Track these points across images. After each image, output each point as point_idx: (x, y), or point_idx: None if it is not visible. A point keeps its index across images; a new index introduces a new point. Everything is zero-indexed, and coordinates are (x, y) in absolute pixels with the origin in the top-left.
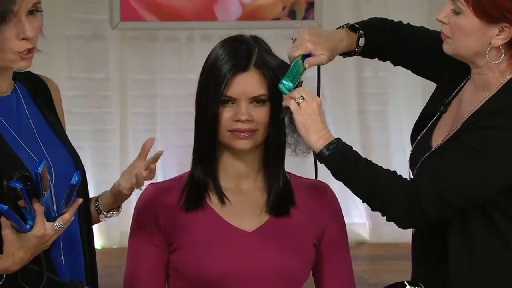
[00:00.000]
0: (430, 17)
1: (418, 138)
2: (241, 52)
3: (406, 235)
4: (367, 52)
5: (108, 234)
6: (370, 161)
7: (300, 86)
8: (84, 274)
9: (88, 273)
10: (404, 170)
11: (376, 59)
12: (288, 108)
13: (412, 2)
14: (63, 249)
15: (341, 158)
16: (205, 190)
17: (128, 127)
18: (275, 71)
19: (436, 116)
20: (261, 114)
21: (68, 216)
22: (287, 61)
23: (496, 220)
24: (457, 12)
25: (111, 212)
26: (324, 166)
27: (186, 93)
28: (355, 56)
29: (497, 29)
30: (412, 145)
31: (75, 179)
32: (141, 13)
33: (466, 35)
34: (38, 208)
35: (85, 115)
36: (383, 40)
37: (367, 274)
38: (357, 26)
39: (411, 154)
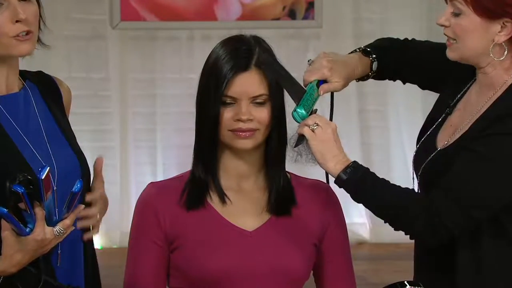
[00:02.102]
0: (429, 15)
1: (423, 139)
2: (241, 52)
3: (406, 235)
4: (378, 75)
5: (108, 234)
6: (388, 182)
7: (314, 113)
8: (84, 278)
9: (89, 277)
10: (404, 169)
11: (386, 80)
12: (303, 135)
13: (412, 0)
14: (63, 253)
15: (358, 181)
16: (206, 189)
17: (128, 127)
18: (276, 71)
19: (441, 118)
20: (262, 113)
21: (68, 221)
22: (287, 61)
23: (509, 232)
24: (457, 14)
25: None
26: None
27: (186, 93)
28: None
29: (499, 26)
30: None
31: (77, 186)
32: (141, 13)
33: (469, 35)
34: (39, 212)
35: (85, 115)
36: (392, 62)
37: (367, 274)
38: (369, 50)
39: (415, 155)
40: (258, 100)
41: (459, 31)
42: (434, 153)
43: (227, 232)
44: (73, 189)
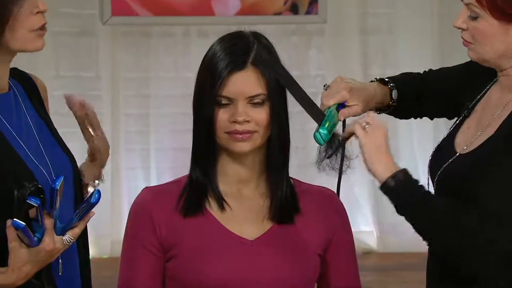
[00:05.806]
0: (441, 11)
1: (439, 143)
2: (238, 49)
3: (415, 244)
4: (401, 112)
5: (98, 243)
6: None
7: (336, 137)
8: (80, 284)
9: (84, 283)
10: (413, 172)
11: (406, 113)
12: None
13: None
14: (61, 261)
15: (407, 192)
16: (204, 194)
17: (120, 129)
18: (275, 70)
19: (459, 120)
20: (259, 114)
21: (78, 230)
22: (289, 59)
23: None
24: (474, 17)
25: (96, 182)
26: (326, 171)
27: (181, 93)
28: (361, 54)
29: None
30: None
31: (95, 197)
32: (133, 7)
33: (488, 39)
34: (48, 221)
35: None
36: (413, 96)
37: (374, 285)
38: (386, 79)
39: (431, 160)
40: (255, 100)
41: (477, 35)
42: (454, 157)
43: (226, 240)
44: (91, 200)
